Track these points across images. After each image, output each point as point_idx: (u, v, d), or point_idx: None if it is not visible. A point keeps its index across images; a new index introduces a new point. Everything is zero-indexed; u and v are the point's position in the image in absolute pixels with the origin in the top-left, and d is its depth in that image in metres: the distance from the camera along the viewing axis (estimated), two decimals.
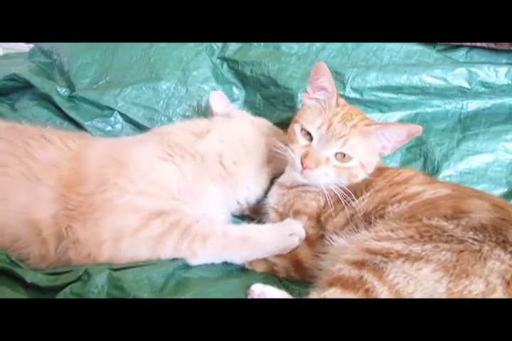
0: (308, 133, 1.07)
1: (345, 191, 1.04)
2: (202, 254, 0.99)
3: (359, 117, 1.09)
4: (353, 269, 0.77)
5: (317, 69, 1.09)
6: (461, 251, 0.74)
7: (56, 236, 0.99)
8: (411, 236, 0.80)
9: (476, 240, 0.76)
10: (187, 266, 0.98)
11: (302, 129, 1.08)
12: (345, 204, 1.03)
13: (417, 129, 1.03)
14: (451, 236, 0.78)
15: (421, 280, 0.72)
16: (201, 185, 1.14)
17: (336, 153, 1.04)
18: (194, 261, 0.99)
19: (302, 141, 1.08)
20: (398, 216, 0.91)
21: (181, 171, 1.10)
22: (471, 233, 0.78)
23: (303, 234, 1.04)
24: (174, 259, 0.97)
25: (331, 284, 0.77)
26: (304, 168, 1.04)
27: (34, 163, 1.04)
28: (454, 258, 0.73)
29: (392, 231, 0.83)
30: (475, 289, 0.69)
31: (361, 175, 1.07)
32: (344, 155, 1.04)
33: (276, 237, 1.03)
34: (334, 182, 1.06)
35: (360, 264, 0.77)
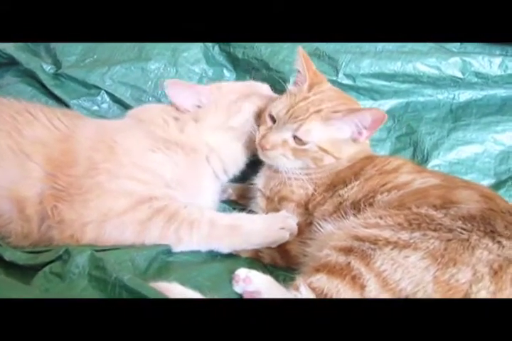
0: (273, 116, 1.10)
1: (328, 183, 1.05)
2: (187, 241, 0.97)
3: (333, 103, 1.08)
4: (341, 255, 0.76)
5: (297, 53, 1.13)
6: (450, 240, 0.74)
7: (40, 215, 0.98)
8: (399, 224, 0.79)
9: (464, 229, 0.76)
10: (170, 251, 0.96)
11: (270, 112, 1.11)
12: (333, 193, 1.03)
13: (380, 114, 1.02)
14: (440, 224, 0.77)
15: (408, 267, 0.71)
16: (195, 175, 1.12)
17: (294, 136, 1.05)
18: (179, 248, 0.98)
19: (268, 123, 1.11)
20: (387, 204, 0.90)
21: (173, 161, 1.09)
22: (460, 222, 0.77)
23: (295, 229, 1.01)
24: (158, 244, 0.95)
25: (318, 270, 0.76)
26: (261, 148, 1.07)
27: (22, 138, 1.02)
28: (442, 246, 0.73)
29: (380, 218, 0.82)
30: (462, 277, 0.69)
31: (328, 160, 1.07)
32: (300, 139, 1.05)
33: (267, 229, 1.00)
34: (298, 165, 1.07)
35: (347, 251, 0.77)
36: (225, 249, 1.00)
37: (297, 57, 1.14)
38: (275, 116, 1.09)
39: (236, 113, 1.18)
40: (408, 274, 0.71)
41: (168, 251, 0.96)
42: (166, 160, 1.07)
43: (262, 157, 1.11)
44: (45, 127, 1.06)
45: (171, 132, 1.14)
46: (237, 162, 1.21)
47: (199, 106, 1.19)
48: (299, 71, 1.15)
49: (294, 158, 1.06)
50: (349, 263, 0.74)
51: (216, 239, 0.98)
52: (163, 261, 0.93)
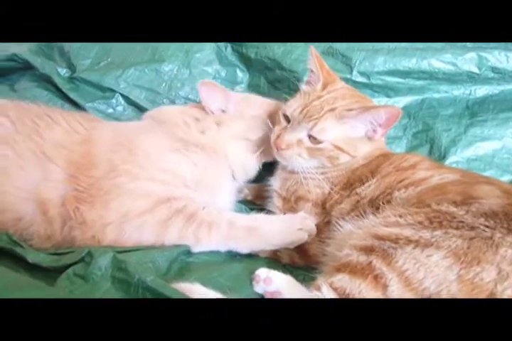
0: (287, 116, 1.10)
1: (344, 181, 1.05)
2: (207, 242, 0.98)
3: (347, 101, 1.08)
4: (362, 255, 0.76)
5: (309, 53, 1.13)
6: (472, 238, 0.73)
7: (62, 217, 0.99)
8: (420, 222, 0.78)
9: (487, 227, 0.75)
10: (190, 251, 0.97)
11: (284, 112, 1.12)
12: (350, 191, 1.02)
13: (396, 110, 1.02)
14: (462, 222, 0.76)
15: (431, 266, 0.71)
16: (214, 176, 1.13)
17: (309, 135, 1.05)
18: (198, 248, 0.99)
19: (283, 123, 1.11)
20: (405, 201, 0.89)
21: (193, 162, 1.10)
22: (482, 219, 0.76)
23: (314, 230, 1.01)
24: (177, 244, 0.96)
25: (339, 270, 0.76)
26: (276, 148, 1.07)
27: (43, 141, 1.04)
28: (465, 245, 0.72)
29: (400, 216, 0.81)
30: (487, 276, 0.68)
31: (343, 158, 1.07)
32: (315, 138, 1.04)
33: (285, 230, 1.00)
34: (314, 164, 1.07)
35: (368, 250, 0.76)
36: (243, 249, 1.00)
37: (310, 57, 1.14)
38: (289, 116, 1.09)
39: (256, 128, 1.22)
40: (431, 273, 0.70)
41: (188, 252, 0.96)
42: (185, 161, 1.08)
43: (277, 157, 1.11)
44: (65, 130, 1.08)
45: (192, 133, 1.15)
46: (247, 171, 1.24)
47: (223, 111, 1.21)
48: (312, 70, 1.15)
49: (310, 157, 1.06)
50: (370, 262, 0.74)
51: (234, 240, 0.99)
52: (184, 261, 0.93)
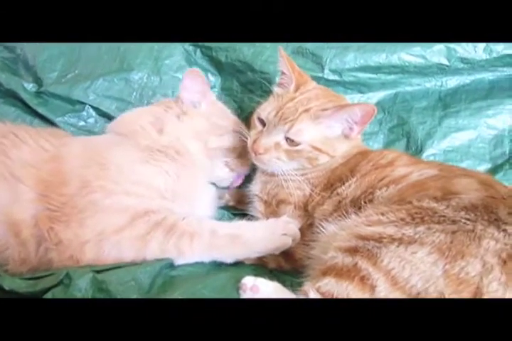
0: (262, 119, 1.09)
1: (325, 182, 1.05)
2: (189, 253, 0.95)
3: (321, 101, 1.07)
4: (347, 256, 0.75)
5: (278, 55, 1.12)
6: (455, 232, 0.73)
7: (36, 238, 0.96)
8: (402, 219, 0.78)
9: (468, 220, 0.74)
10: (173, 264, 0.95)
11: (258, 116, 1.10)
12: (331, 192, 1.02)
13: (370, 107, 1.02)
14: (443, 216, 0.76)
15: (417, 263, 0.70)
16: (188, 181, 1.11)
17: (286, 138, 1.04)
18: (181, 261, 0.96)
19: (258, 127, 1.10)
20: (387, 200, 0.89)
21: (164, 171, 1.07)
22: (463, 213, 0.76)
23: (298, 235, 1.00)
24: (160, 258, 0.94)
25: (325, 273, 0.75)
26: (254, 153, 1.06)
27: (10, 161, 1.01)
28: (448, 239, 0.72)
29: (382, 214, 0.81)
30: (472, 270, 0.68)
31: (323, 159, 1.06)
32: (293, 140, 1.04)
33: (269, 236, 0.98)
34: (294, 166, 1.06)
35: (353, 251, 0.75)
36: (227, 258, 0.98)
37: (280, 59, 1.13)
38: (265, 119, 1.08)
39: (217, 135, 1.20)
40: (417, 270, 0.69)
41: (171, 265, 0.94)
42: (157, 171, 1.06)
43: (255, 162, 1.10)
44: (32, 148, 1.04)
45: (151, 136, 1.13)
46: (214, 176, 1.22)
47: (194, 107, 1.20)
48: (283, 72, 1.14)
49: (289, 159, 1.05)
50: (356, 263, 0.73)
51: (218, 249, 0.97)
52: (167, 275, 0.91)
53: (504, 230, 0.72)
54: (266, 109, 1.09)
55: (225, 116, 1.26)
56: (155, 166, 1.06)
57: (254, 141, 1.07)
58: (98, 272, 0.84)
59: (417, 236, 0.73)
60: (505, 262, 0.68)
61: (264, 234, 0.99)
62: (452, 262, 0.69)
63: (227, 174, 1.24)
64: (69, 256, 0.93)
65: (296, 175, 1.06)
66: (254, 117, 1.12)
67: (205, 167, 1.18)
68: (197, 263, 0.96)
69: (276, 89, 1.15)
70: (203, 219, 1.03)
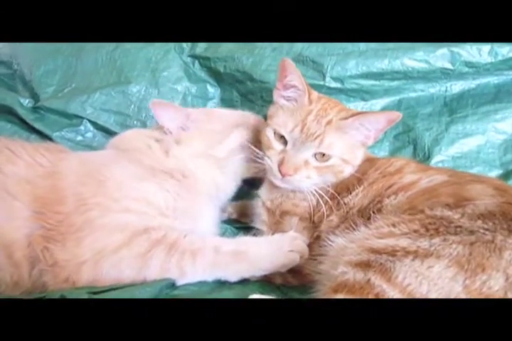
0: (282, 137, 1.01)
1: (331, 191, 0.99)
2: (192, 272, 0.91)
3: (335, 110, 1.02)
4: (358, 272, 0.70)
5: (284, 67, 1.02)
6: (473, 243, 0.68)
7: (30, 259, 0.92)
8: (415, 231, 0.74)
9: (486, 229, 0.70)
10: (174, 283, 0.90)
11: (275, 133, 1.02)
12: (338, 201, 0.97)
13: (396, 115, 0.98)
14: (459, 227, 0.72)
15: (434, 278, 0.66)
16: (190, 201, 1.07)
17: (315, 154, 0.98)
18: (183, 280, 0.92)
19: (277, 146, 1.02)
20: (397, 208, 0.85)
21: (165, 189, 1.03)
22: (480, 222, 0.72)
23: (306, 251, 0.95)
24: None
25: (336, 291, 0.70)
26: (282, 175, 0.98)
27: (4, 177, 0.97)
28: (466, 251, 0.67)
29: (394, 226, 0.77)
30: (495, 284, 0.63)
31: (348, 170, 1.02)
32: (323, 155, 0.98)
33: (275, 253, 0.94)
34: (320, 182, 1.00)
35: (364, 266, 0.71)
36: (232, 277, 0.93)
37: (289, 72, 1.02)
38: (287, 137, 1.00)
39: (220, 142, 1.14)
40: (435, 286, 0.65)
41: (172, 284, 0.90)
42: (157, 189, 1.02)
43: (281, 184, 1.01)
44: (28, 164, 1.01)
45: (157, 157, 1.08)
46: (222, 190, 1.15)
47: (183, 129, 1.14)
48: (292, 85, 1.03)
49: (318, 176, 0.99)
50: (369, 280, 0.68)
51: (222, 268, 0.92)
52: (169, 295, 0.86)
53: None
54: (286, 125, 1.00)
55: (218, 119, 1.19)
56: (156, 184, 1.02)
57: (282, 163, 0.98)
58: (94, 293, 0.79)
59: (432, 248, 0.69)
60: None
61: (269, 251, 0.94)
62: (473, 276, 0.65)
63: (245, 166, 1.16)
64: (64, 278, 0.89)
65: (316, 189, 1.00)
66: (269, 135, 1.03)
67: (215, 182, 1.13)
68: (199, 282, 0.92)
69: (284, 103, 1.06)
70: (206, 236, 0.99)
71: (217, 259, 0.91)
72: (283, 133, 1.00)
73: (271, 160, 1.01)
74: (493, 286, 0.63)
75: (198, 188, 1.09)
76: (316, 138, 0.97)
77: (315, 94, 1.07)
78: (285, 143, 1.00)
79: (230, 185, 1.17)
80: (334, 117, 0.99)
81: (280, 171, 0.98)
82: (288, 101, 1.05)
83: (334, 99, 1.15)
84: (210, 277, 0.93)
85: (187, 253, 0.90)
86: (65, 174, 1.00)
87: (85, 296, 0.77)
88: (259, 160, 1.06)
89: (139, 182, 1.01)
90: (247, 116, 1.25)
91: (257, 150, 1.07)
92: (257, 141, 1.13)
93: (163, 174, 1.05)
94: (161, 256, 0.89)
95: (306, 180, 0.99)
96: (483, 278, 0.64)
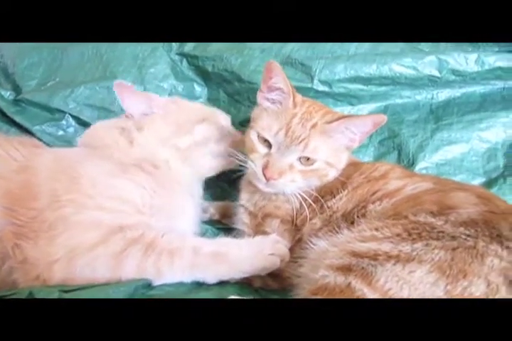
0: (266, 140, 0.99)
1: (314, 194, 0.98)
2: (169, 273, 0.88)
3: (320, 114, 1.01)
4: (339, 275, 0.69)
5: (269, 69, 1.00)
6: (455, 249, 0.68)
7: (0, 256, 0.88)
8: (398, 235, 0.73)
9: (468, 235, 0.70)
10: (150, 283, 0.87)
11: (259, 136, 1.00)
12: (321, 205, 0.96)
13: (382, 118, 0.97)
14: (442, 232, 0.72)
15: (415, 283, 0.65)
16: (167, 195, 1.03)
17: (300, 158, 0.97)
18: (160, 281, 0.88)
19: (261, 149, 1.00)
20: (381, 214, 0.85)
21: (141, 186, 1.00)
22: (462, 228, 0.72)
23: (287, 255, 0.94)
24: None
25: (316, 294, 0.69)
26: (267, 179, 0.97)
27: None
28: (448, 256, 0.67)
29: (376, 230, 0.76)
30: (476, 290, 0.63)
31: (332, 174, 1.01)
32: (308, 159, 0.97)
33: (256, 255, 0.92)
34: (304, 186, 0.99)
35: (346, 269, 0.70)
36: (210, 279, 0.91)
37: (275, 73, 1.00)
38: (271, 140, 0.98)
39: (185, 133, 1.11)
40: (416, 291, 0.64)
41: (148, 284, 0.87)
42: (132, 185, 0.99)
43: (265, 188, 1.00)
44: (1, 158, 0.97)
45: (124, 150, 1.05)
46: (187, 179, 1.12)
47: (146, 115, 1.11)
48: (277, 88, 1.02)
49: (303, 180, 0.98)
50: (349, 283, 0.67)
51: (201, 269, 0.90)
52: (144, 295, 0.83)
53: (507, 247, 0.68)
54: (270, 129, 0.98)
55: (185, 111, 1.16)
56: (130, 180, 0.99)
57: (266, 166, 0.97)
58: (66, 292, 0.76)
59: (414, 253, 0.69)
60: (510, 282, 0.63)
61: (250, 253, 0.92)
62: (454, 282, 0.64)
63: (209, 162, 1.15)
64: (35, 276, 0.85)
65: (299, 193, 0.99)
66: (253, 138, 1.01)
67: (184, 174, 1.10)
68: (176, 283, 0.89)
69: (268, 105, 1.03)
70: (185, 236, 0.96)
71: (196, 261, 0.89)
72: (267, 136, 0.98)
73: (255, 164, 0.99)
74: (474, 292, 0.63)
75: (171, 180, 1.06)
76: (300, 142, 0.95)
77: (299, 97, 1.05)
78: (269, 146, 0.99)
79: (194, 177, 1.14)
80: (319, 121, 0.98)
81: (264, 175, 0.96)
82: (272, 104, 1.03)
83: (320, 102, 1.14)
84: (188, 278, 0.90)
85: (164, 254, 0.87)
86: (39, 169, 0.96)
87: (56, 294, 0.73)
88: (243, 164, 1.04)
89: (113, 179, 0.98)
90: (215, 113, 1.23)
91: (238, 153, 1.05)
92: (221, 140, 1.14)
93: (133, 168, 1.02)
94: (137, 256, 0.86)
95: (290, 183, 0.98)
96: (465, 284, 0.64)
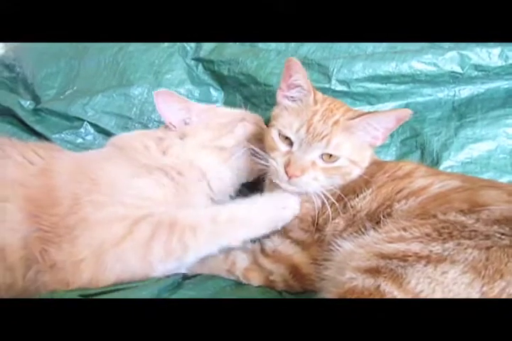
0: (288, 138, 0.98)
1: (338, 193, 0.96)
2: (195, 246, 0.90)
3: (341, 111, 0.99)
4: (368, 278, 0.66)
5: (289, 66, 0.99)
6: (489, 248, 0.64)
7: (26, 261, 0.88)
8: (427, 234, 0.70)
9: (503, 234, 0.66)
10: (174, 287, 0.87)
11: (280, 134, 0.99)
12: (344, 204, 0.94)
13: (406, 113, 0.95)
14: (474, 231, 0.68)
15: (449, 285, 0.61)
16: (187, 199, 1.04)
17: (322, 154, 0.95)
18: (189, 257, 0.91)
19: (282, 147, 0.99)
20: (408, 213, 0.81)
21: (161, 184, 1.01)
22: (496, 227, 0.68)
23: (297, 209, 0.97)
24: (159, 279, 0.87)
25: (344, 297, 0.66)
26: (289, 177, 0.95)
27: None
28: (482, 256, 0.63)
29: (404, 230, 0.73)
30: None
31: (355, 172, 0.98)
32: (330, 156, 0.95)
33: (267, 211, 0.96)
34: (327, 184, 0.97)
35: (374, 272, 0.67)
36: (234, 242, 0.94)
37: (295, 71, 0.99)
38: (292, 137, 0.97)
39: (227, 133, 1.12)
40: (450, 293, 0.61)
41: (171, 287, 0.86)
42: (153, 184, 1.00)
43: (288, 186, 0.98)
44: (18, 163, 0.97)
45: (153, 157, 1.07)
46: (225, 184, 1.13)
47: (186, 123, 1.13)
48: (297, 85, 1.00)
49: (326, 178, 0.96)
50: (379, 286, 0.64)
51: (222, 236, 0.93)
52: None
53: None
54: (291, 126, 0.96)
55: (224, 115, 1.19)
56: (152, 180, 1.00)
57: (288, 164, 0.95)
58: (86, 296, 0.75)
59: (446, 253, 0.65)
60: None
61: (264, 211, 0.96)
62: (491, 282, 0.60)
63: (251, 163, 1.12)
64: (61, 279, 0.86)
65: (322, 191, 0.97)
66: (274, 136, 0.99)
67: (223, 178, 1.11)
68: (198, 287, 0.89)
69: (288, 104, 1.03)
70: (199, 209, 0.98)
71: (217, 229, 0.92)
72: (288, 134, 0.97)
73: (276, 162, 0.98)
74: None
75: (195, 187, 1.07)
76: (322, 138, 0.93)
77: (320, 94, 1.04)
78: (290, 144, 0.97)
79: (232, 181, 1.14)
80: (341, 117, 0.96)
81: (287, 172, 0.95)
82: (292, 102, 1.02)
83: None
84: (215, 247, 0.93)
85: (187, 229, 0.90)
86: (58, 172, 0.97)
87: None
88: (262, 162, 1.03)
89: (133, 179, 0.99)
90: (249, 114, 1.24)
91: (260, 152, 1.03)
92: (256, 141, 1.11)
93: (157, 171, 1.02)
94: (163, 238, 0.88)
95: (313, 182, 0.95)
96: (502, 284, 0.60)
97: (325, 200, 0.95)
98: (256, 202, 0.98)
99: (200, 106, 1.19)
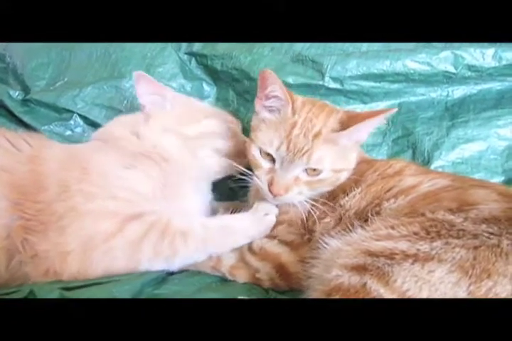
0: (269, 154, 0.95)
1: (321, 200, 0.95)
2: (184, 251, 0.91)
3: (321, 119, 0.95)
4: (354, 275, 0.65)
5: (265, 78, 0.95)
6: (477, 247, 0.64)
7: (8, 251, 0.87)
8: (415, 233, 0.69)
9: (491, 233, 0.66)
10: (158, 282, 0.85)
11: (261, 151, 0.97)
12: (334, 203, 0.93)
13: (392, 111, 0.93)
14: (462, 230, 0.68)
15: (435, 284, 0.61)
16: (175, 187, 1.04)
17: (305, 169, 0.93)
18: (176, 261, 0.91)
19: (265, 164, 0.97)
20: (396, 212, 0.81)
21: (151, 176, 1.00)
22: (484, 226, 0.68)
23: (276, 210, 1.01)
24: (142, 274, 0.85)
25: (330, 295, 0.65)
26: (273, 195, 0.94)
27: None
28: (470, 255, 0.63)
29: (392, 228, 0.72)
30: (502, 291, 0.59)
31: (343, 177, 0.97)
32: (314, 169, 0.93)
33: (255, 220, 0.99)
34: (313, 195, 0.97)
35: (361, 269, 0.66)
36: (222, 249, 0.96)
37: (269, 81, 0.95)
38: (274, 155, 0.94)
39: (193, 122, 1.13)
40: (437, 292, 0.60)
41: (154, 282, 0.85)
42: (142, 176, 0.99)
43: (273, 202, 0.98)
44: (6, 150, 0.96)
45: (135, 142, 1.07)
46: (193, 175, 1.10)
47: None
48: (274, 96, 0.96)
49: (310, 191, 0.95)
50: (365, 284, 0.64)
51: (212, 243, 0.94)
52: (150, 294, 0.81)
53: None
54: (271, 143, 0.94)
55: (194, 106, 1.19)
56: (140, 171, 0.99)
57: (271, 183, 0.94)
58: (68, 289, 0.74)
59: (433, 252, 0.65)
60: None
61: (250, 219, 0.99)
62: (478, 282, 0.60)
63: (216, 160, 1.13)
64: (46, 269, 0.85)
65: (310, 198, 0.96)
66: (255, 154, 0.97)
67: (191, 167, 1.09)
68: (183, 282, 0.87)
69: (266, 115, 0.98)
70: (191, 216, 1.00)
71: (207, 235, 0.93)
72: (269, 151, 0.95)
73: (260, 180, 0.96)
74: (500, 293, 0.59)
75: (179, 174, 1.05)
76: (303, 154, 0.91)
77: (299, 100, 0.99)
78: (273, 160, 0.95)
79: (201, 174, 1.12)
80: (322, 128, 0.93)
81: (271, 191, 0.94)
82: (270, 113, 0.98)
83: (325, 100, 1.11)
84: (202, 254, 0.94)
85: (177, 234, 0.90)
86: (47, 159, 0.96)
87: (57, 292, 0.71)
88: (247, 178, 1.02)
89: (124, 170, 0.99)
90: (226, 113, 1.25)
91: (246, 170, 1.02)
92: (237, 156, 1.12)
93: (145, 159, 1.02)
94: (153, 240, 0.88)
95: (298, 196, 0.95)
96: (489, 284, 0.60)
97: (312, 207, 0.95)
98: (243, 215, 1.01)
99: (176, 94, 1.20)
